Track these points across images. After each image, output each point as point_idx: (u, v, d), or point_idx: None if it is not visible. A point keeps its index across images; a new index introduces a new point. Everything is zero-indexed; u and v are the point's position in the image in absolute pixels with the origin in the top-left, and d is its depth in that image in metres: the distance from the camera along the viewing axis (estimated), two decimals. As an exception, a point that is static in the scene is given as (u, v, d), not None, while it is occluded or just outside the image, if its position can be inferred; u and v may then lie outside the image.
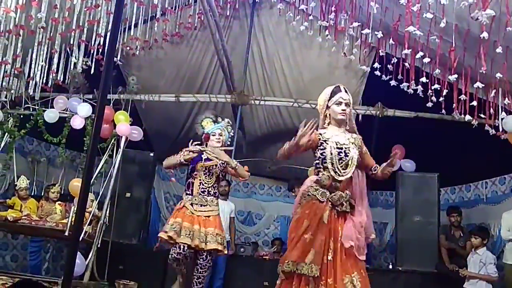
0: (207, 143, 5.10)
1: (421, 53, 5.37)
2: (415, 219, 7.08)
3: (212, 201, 4.99)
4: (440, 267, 6.69)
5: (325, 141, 3.82)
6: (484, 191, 7.53)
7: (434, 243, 6.89)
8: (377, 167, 3.92)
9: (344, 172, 3.79)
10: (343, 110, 3.85)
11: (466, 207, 7.37)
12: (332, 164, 3.77)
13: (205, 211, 4.92)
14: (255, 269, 7.42)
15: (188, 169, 5.13)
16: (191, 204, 4.92)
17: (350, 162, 3.80)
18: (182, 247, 4.75)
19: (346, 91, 3.90)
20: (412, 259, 6.89)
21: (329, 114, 3.91)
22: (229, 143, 5.28)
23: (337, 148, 3.80)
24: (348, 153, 3.80)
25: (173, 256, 4.84)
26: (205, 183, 5.00)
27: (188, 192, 5.02)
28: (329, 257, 3.63)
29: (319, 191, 3.76)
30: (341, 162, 3.78)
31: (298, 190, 6.98)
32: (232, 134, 5.36)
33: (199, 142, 5.08)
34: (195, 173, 5.03)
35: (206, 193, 4.98)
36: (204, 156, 5.03)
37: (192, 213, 4.89)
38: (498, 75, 4.72)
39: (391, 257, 8.27)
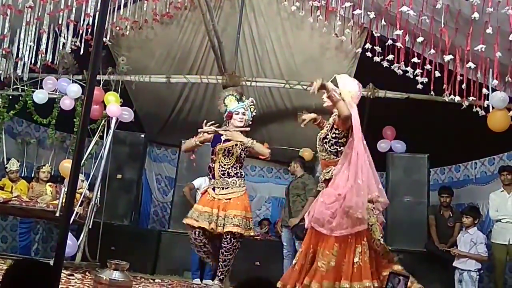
0: (229, 121, 4.94)
1: (412, 34, 5.36)
2: (405, 199, 7.17)
3: (234, 182, 4.80)
4: (430, 246, 6.77)
5: None
6: (473, 171, 7.59)
7: (423, 223, 6.99)
8: None
9: None
10: None
11: (455, 187, 7.43)
12: None
13: (226, 193, 4.78)
14: (247, 249, 7.43)
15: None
16: (213, 189, 4.85)
17: None
18: (196, 233, 4.72)
19: None
20: (402, 238, 6.96)
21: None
22: (250, 122, 5.02)
23: None
24: None
25: (191, 242, 4.83)
26: (224, 164, 4.83)
27: (210, 177, 4.97)
28: None
29: None
30: None
31: (296, 165, 7.05)
32: (255, 114, 5.12)
33: (213, 122, 4.88)
34: (214, 156, 4.90)
35: (226, 175, 4.82)
36: (223, 138, 4.84)
37: (214, 198, 4.79)
38: (498, 54, 4.68)
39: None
